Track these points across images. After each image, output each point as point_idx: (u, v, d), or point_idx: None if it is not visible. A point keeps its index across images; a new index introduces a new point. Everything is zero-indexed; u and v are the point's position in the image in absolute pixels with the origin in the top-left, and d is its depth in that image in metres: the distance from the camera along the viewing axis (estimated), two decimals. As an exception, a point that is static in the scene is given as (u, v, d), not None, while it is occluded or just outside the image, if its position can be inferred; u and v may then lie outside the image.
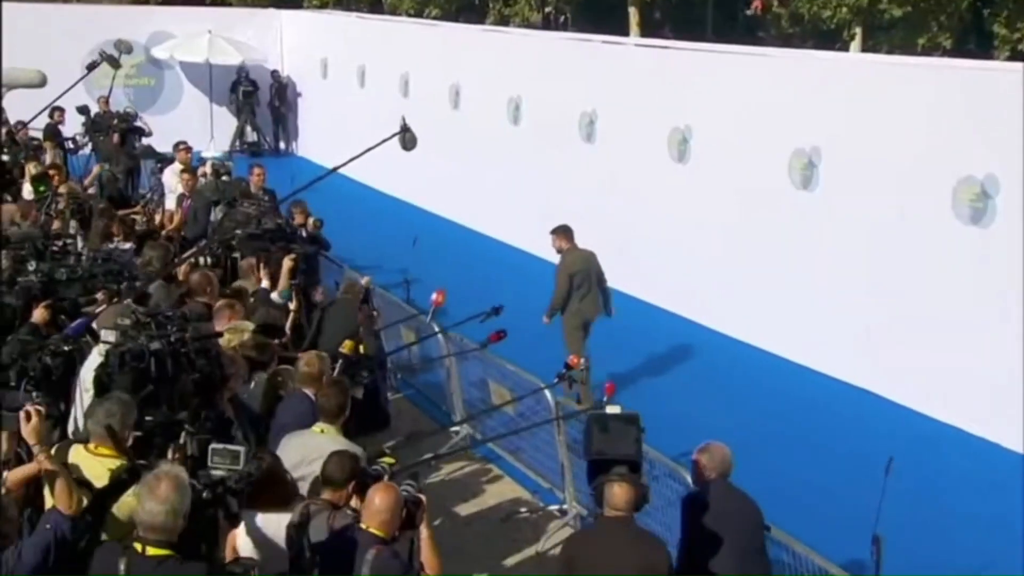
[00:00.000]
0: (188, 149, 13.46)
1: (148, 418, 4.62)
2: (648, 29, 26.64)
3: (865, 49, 19.74)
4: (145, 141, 16.64)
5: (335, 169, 8.31)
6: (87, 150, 15.83)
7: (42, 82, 11.57)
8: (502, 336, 9.17)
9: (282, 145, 23.74)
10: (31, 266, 5.93)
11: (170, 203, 12.67)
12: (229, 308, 7.63)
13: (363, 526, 4.59)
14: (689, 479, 5.98)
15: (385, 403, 8.90)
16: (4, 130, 12.87)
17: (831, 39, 20.90)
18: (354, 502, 4.90)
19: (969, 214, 9.55)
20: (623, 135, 13.84)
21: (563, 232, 10.80)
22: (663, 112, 13.11)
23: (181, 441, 4.59)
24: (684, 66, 13.24)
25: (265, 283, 9.07)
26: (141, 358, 5.08)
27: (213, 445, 4.41)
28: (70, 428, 5.62)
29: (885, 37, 20.02)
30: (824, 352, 10.88)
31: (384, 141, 7.01)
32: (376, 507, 4.60)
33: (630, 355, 11.30)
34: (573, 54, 15.49)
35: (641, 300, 13.25)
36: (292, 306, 8.94)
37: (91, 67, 8.92)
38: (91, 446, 4.68)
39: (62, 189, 9.83)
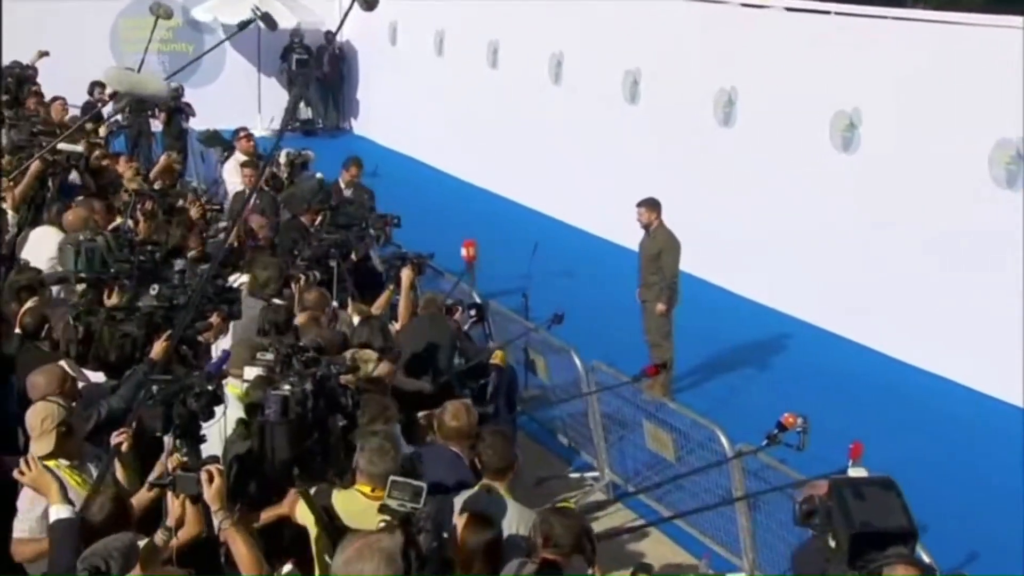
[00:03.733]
0: (250, 137, 13.66)
1: None
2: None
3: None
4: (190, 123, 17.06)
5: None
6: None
7: (168, 95, 11.81)
8: (659, 370, 9.24)
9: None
10: (153, 289, 6.03)
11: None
12: (315, 323, 7.75)
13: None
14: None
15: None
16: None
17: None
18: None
19: None
20: (771, 118, 13.74)
21: (654, 205, 11.12)
22: (823, 92, 13.01)
23: None
24: (849, 36, 13.09)
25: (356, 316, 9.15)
26: (305, 403, 5.20)
27: (393, 477, 4.66)
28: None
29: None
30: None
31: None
32: None
33: (789, 383, 11.34)
34: (704, 20, 15.40)
35: (791, 316, 13.21)
36: (396, 326, 9.06)
37: (243, 26, 9.07)
38: (367, 489, 5.05)
39: (132, 184, 10.02)
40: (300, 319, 7.79)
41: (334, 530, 4.99)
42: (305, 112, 23.63)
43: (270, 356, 5.80)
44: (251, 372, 5.74)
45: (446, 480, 6.25)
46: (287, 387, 5.32)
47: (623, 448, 9.54)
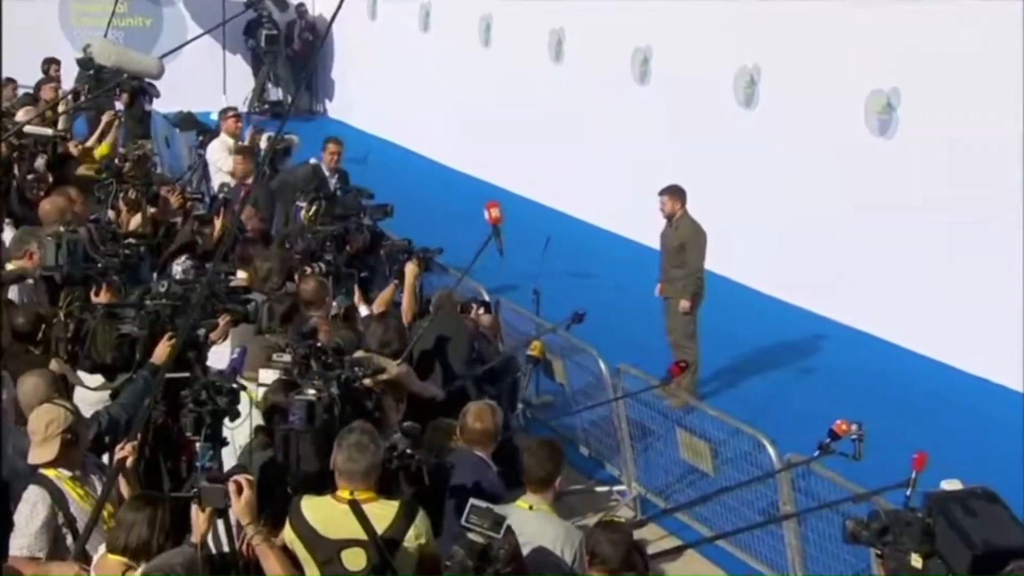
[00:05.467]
0: (237, 117, 13.64)
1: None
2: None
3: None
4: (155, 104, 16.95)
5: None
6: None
7: (160, 73, 11.88)
8: (682, 369, 9.25)
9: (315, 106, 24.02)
10: (161, 286, 5.99)
11: (216, 184, 12.81)
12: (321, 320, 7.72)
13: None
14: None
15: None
16: None
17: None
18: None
19: None
20: (798, 99, 13.75)
21: (678, 194, 11.21)
22: (857, 70, 13.01)
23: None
24: (887, 8, 13.05)
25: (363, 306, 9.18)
26: (332, 409, 5.21)
27: (473, 501, 4.74)
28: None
29: None
30: None
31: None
32: None
33: (823, 387, 11.43)
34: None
35: (821, 315, 13.23)
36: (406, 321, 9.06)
37: (250, 3, 9.02)
38: (345, 493, 5.01)
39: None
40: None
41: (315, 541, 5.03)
42: (275, 93, 23.56)
43: (287, 357, 5.80)
44: (267, 375, 5.72)
45: (471, 485, 6.26)
46: (312, 392, 5.33)
47: (652, 459, 9.52)
